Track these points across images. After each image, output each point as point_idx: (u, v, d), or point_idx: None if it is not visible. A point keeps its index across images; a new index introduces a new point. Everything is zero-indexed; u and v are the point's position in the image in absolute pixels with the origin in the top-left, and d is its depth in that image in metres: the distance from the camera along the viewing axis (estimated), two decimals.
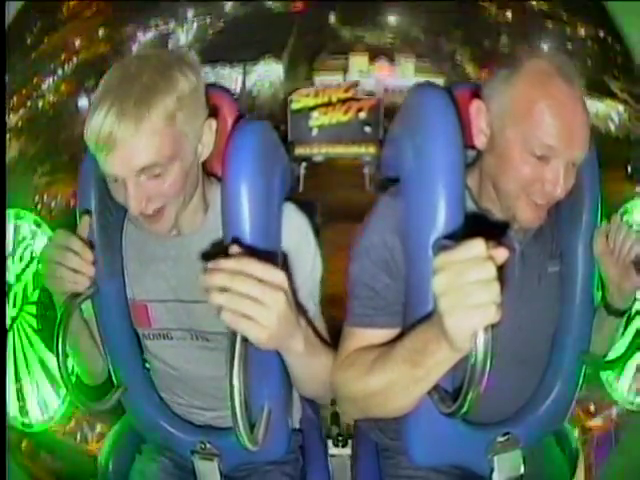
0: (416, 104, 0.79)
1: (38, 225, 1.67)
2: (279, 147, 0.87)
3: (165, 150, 0.74)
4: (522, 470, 0.89)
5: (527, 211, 0.80)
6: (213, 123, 0.81)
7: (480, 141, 0.82)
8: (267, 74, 4.69)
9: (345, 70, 4.75)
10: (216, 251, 0.74)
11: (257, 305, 0.60)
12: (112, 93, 0.72)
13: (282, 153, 0.88)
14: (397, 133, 0.85)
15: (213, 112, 0.83)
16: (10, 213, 1.67)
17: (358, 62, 4.80)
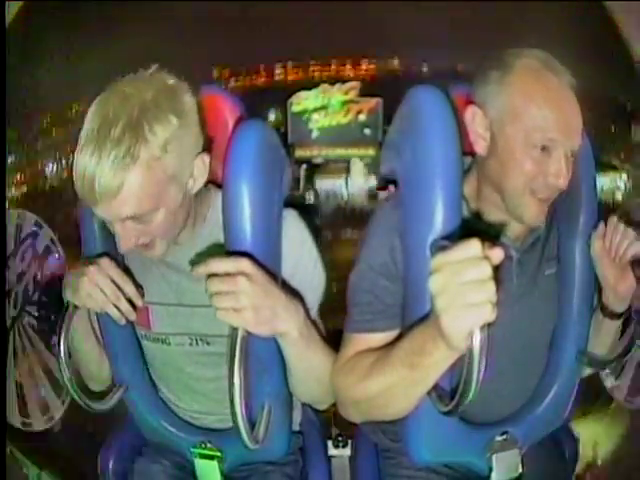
0: (414, 105, 0.80)
1: (39, 225, 1.67)
2: (280, 148, 0.87)
3: (145, 205, 0.74)
4: (520, 469, 0.89)
5: (533, 208, 0.81)
6: (206, 158, 0.80)
7: (480, 146, 0.82)
8: None
9: None
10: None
11: (226, 295, 0.69)
12: (92, 140, 0.71)
13: (283, 154, 0.89)
14: (395, 135, 0.85)
15: (208, 145, 0.81)
16: (11, 213, 1.67)
17: None
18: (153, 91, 0.74)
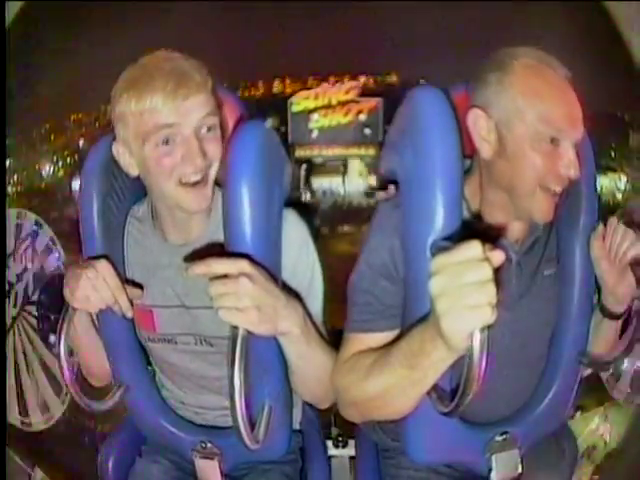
0: (414, 105, 0.79)
1: (39, 225, 1.68)
2: (280, 149, 0.88)
3: (215, 109, 0.81)
4: (519, 470, 0.89)
5: (544, 204, 0.80)
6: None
7: (485, 150, 0.81)
8: None
9: None
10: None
11: (229, 296, 0.69)
12: (158, 72, 0.77)
13: (283, 155, 0.89)
14: (395, 135, 0.85)
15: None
16: (11, 213, 1.68)
17: None
18: (184, 57, 0.82)
